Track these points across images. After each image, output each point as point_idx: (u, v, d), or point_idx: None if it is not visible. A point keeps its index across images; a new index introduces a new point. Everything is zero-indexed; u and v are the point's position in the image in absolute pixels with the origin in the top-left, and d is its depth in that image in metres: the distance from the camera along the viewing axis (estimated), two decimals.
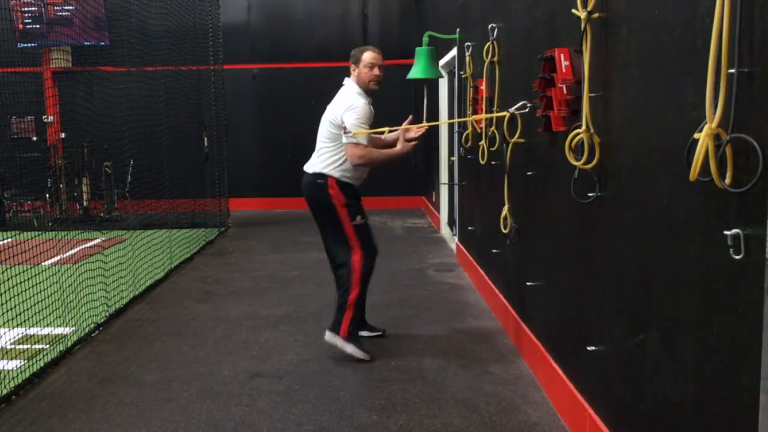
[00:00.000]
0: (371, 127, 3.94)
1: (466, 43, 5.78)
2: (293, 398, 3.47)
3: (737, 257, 1.68)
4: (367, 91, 4.01)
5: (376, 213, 9.85)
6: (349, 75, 4.07)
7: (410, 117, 4.21)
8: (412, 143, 4.09)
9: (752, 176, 1.60)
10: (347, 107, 3.87)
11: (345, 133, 3.84)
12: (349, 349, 3.96)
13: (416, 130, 4.12)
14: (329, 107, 4.03)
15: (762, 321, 1.58)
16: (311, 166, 4.05)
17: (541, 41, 3.47)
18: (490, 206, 4.98)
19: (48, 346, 4.14)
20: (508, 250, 4.35)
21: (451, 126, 7.60)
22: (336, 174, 3.95)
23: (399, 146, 4.02)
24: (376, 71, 3.98)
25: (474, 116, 5.05)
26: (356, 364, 3.92)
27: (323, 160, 3.99)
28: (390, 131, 4.07)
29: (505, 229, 4.17)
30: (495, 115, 4.31)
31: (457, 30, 6.32)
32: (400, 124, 4.12)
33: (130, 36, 8.46)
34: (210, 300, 5.50)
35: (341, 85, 4.10)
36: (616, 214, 2.55)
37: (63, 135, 9.55)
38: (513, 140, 3.96)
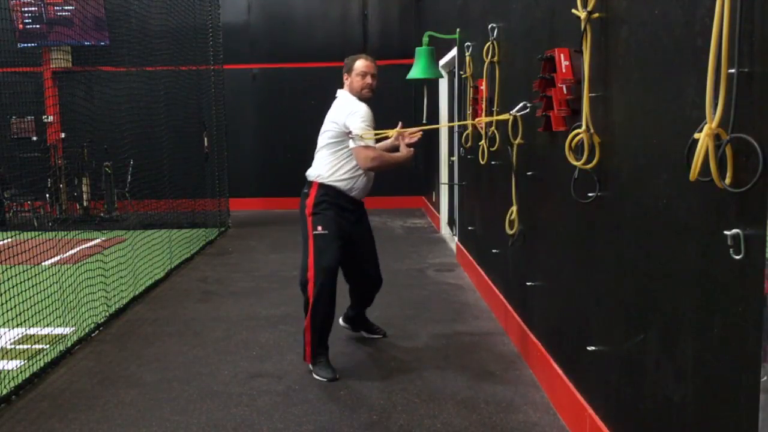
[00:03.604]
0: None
1: (466, 43, 5.78)
2: (293, 398, 3.47)
3: (737, 257, 1.68)
4: (361, 100, 3.85)
5: (376, 213, 9.84)
6: (342, 86, 3.95)
7: (399, 124, 4.05)
8: (412, 149, 3.98)
9: (752, 176, 1.60)
10: (349, 112, 3.73)
11: (352, 137, 3.71)
12: (315, 375, 3.72)
13: (410, 137, 3.95)
14: (327, 118, 3.87)
15: (762, 321, 1.58)
16: (308, 175, 3.90)
17: (541, 41, 3.47)
18: (491, 206, 4.98)
19: (48, 346, 4.14)
20: (508, 250, 4.35)
21: (450, 126, 7.60)
22: (326, 180, 3.79)
23: (404, 151, 3.87)
24: (368, 80, 3.85)
25: (475, 120, 5.04)
26: (356, 363, 3.92)
27: (315, 167, 3.86)
28: (398, 133, 3.95)
29: (511, 230, 4.14)
30: (496, 118, 4.30)
31: (457, 30, 6.32)
32: (401, 126, 4.07)
33: (130, 36, 8.46)
34: (210, 300, 5.50)
35: (341, 84, 4.00)
36: (616, 214, 2.55)
37: (63, 135, 9.55)
38: (517, 141, 3.94)
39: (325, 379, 3.67)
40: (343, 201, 3.83)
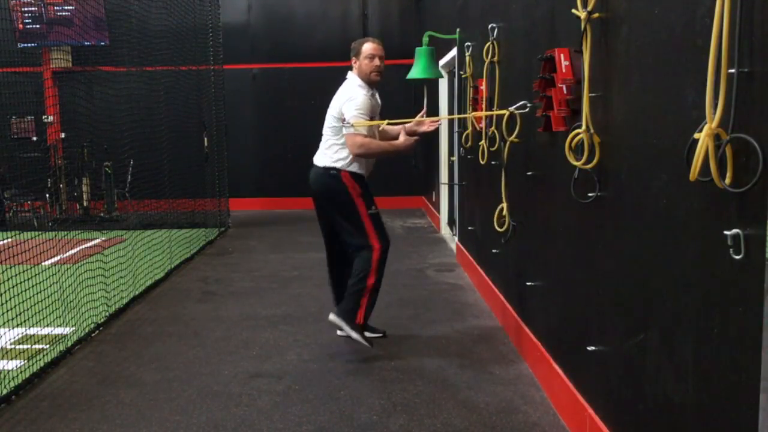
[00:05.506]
0: (377, 119, 3.97)
1: (466, 43, 5.78)
2: (293, 398, 3.47)
3: (737, 257, 1.68)
4: (370, 83, 4.01)
5: None
6: (351, 69, 4.09)
7: (424, 110, 4.24)
8: (414, 138, 4.09)
9: (752, 176, 1.60)
10: (347, 99, 3.91)
11: (345, 124, 3.89)
12: (355, 335, 3.96)
13: (429, 124, 4.14)
14: (332, 101, 4.06)
15: (762, 321, 1.58)
16: (321, 160, 4.07)
17: (541, 41, 3.47)
18: (490, 206, 4.97)
19: (48, 346, 4.14)
20: (508, 250, 4.35)
21: (451, 126, 7.59)
22: (348, 168, 3.99)
23: (401, 139, 4.03)
24: (376, 62, 3.99)
25: (477, 113, 5.04)
26: (356, 363, 3.93)
27: (333, 154, 4.02)
28: (389, 123, 4.10)
29: (501, 228, 4.17)
30: (495, 112, 4.31)
31: (457, 30, 6.32)
32: (424, 114, 4.20)
33: (130, 36, 8.45)
34: (210, 300, 5.50)
35: (341, 84, 4.10)
36: (616, 214, 2.55)
37: (63, 135, 9.55)
38: (510, 139, 3.96)
39: (368, 343, 3.96)
40: (366, 183, 4.09)
